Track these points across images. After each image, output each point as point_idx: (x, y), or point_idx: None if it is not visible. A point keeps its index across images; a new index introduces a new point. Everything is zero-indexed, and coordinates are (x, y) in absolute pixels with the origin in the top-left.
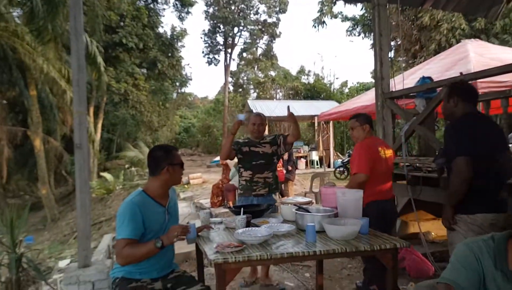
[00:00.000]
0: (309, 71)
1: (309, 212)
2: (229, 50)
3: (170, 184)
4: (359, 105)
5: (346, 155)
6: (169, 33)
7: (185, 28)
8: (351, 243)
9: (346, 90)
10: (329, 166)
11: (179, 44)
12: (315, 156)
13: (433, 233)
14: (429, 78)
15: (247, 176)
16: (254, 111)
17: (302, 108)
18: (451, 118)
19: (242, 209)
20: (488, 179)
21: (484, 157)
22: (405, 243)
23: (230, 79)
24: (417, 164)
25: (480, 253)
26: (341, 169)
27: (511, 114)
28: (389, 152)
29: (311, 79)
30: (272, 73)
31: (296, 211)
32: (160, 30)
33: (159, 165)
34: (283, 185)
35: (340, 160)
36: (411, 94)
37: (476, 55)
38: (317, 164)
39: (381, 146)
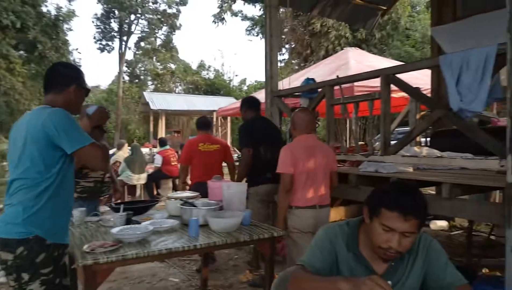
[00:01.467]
0: (209, 67)
1: (195, 206)
2: (125, 38)
3: (69, 107)
4: None
5: None
6: (53, 12)
7: (73, 10)
8: (232, 235)
9: (245, 88)
10: None
11: (66, 26)
12: None
13: None
14: (312, 79)
15: None
16: (151, 103)
17: (202, 103)
18: (245, 121)
19: (122, 205)
20: (264, 162)
21: (260, 148)
22: (283, 232)
23: (125, 68)
24: None
25: (335, 237)
26: (237, 163)
27: (376, 116)
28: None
29: (211, 75)
30: (172, 66)
31: (181, 206)
32: (44, 9)
33: (68, 82)
34: (177, 181)
35: (236, 155)
36: (297, 93)
37: (355, 62)
38: None
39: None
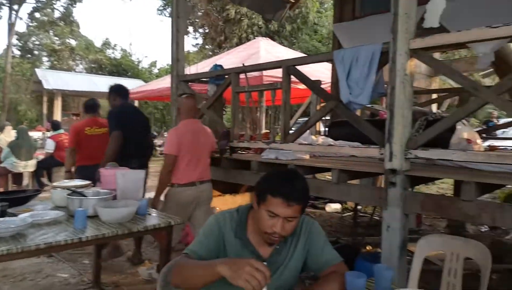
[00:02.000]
0: (115, 45)
1: (84, 196)
2: (16, 7)
3: None
4: (164, 86)
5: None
6: None
7: None
8: (125, 225)
9: (156, 71)
10: None
11: None
12: None
13: (217, 208)
14: (220, 66)
15: None
16: (44, 82)
17: (106, 84)
18: (114, 107)
19: None
20: (132, 149)
21: (130, 133)
22: (180, 220)
23: (15, 41)
24: None
25: (224, 223)
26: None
27: (277, 106)
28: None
29: (118, 54)
30: (72, 42)
31: (68, 196)
32: None
33: None
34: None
35: None
36: (204, 79)
37: (266, 52)
38: None
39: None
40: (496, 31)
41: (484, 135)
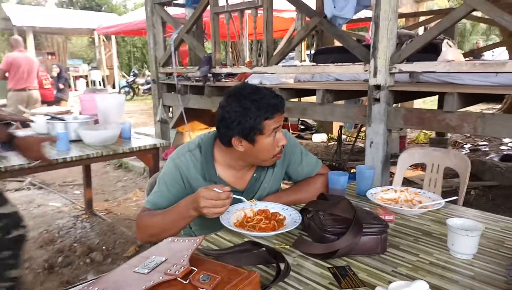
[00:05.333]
0: None
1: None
2: None
3: None
4: (141, 19)
5: (131, 74)
6: None
7: None
8: (109, 147)
9: (131, 5)
10: (114, 87)
11: None
12: (97, 76)
13: None
14: None
15: None
16: (13, 18)
17: (80, 19)
18: None
19: None
20: None
21: None
22: (166, 142)
23: None
24: (187, 74)
25: (186, 167)
26: (126, 89)
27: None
28: None
29: None
30: None
31: (48, 121)
32: None
33: None
34: (54, 105)
35: (124, 80)
36: (179, 2)
37: None
38: (100, 85)
39: None
40: None
41: (470, 58)
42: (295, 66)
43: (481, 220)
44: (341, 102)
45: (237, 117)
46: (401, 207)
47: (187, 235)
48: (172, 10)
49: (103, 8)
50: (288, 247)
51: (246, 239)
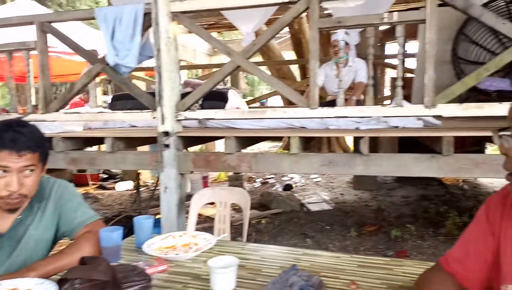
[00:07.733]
0: None
1: None
2: None
3: None
4: None
5: None
6: None
7: None
8: None
9: None
10: None
11: None
12: None
13: None
14: None
15: None
16: None
17: None
18: None
19: None
20: None
21: None
22: None
23: None
24: None
25: None
26: None
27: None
28: None
29: None
30: None
31: None
32: None
33: None
34: None
35: None
36: None
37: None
38: None
39: None
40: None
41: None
42: (79, 113)
43: (245, 252)
44: (146, 147)
45: None
46: (177, 254)
47: None
48: None
49: None
50: None
51: None
